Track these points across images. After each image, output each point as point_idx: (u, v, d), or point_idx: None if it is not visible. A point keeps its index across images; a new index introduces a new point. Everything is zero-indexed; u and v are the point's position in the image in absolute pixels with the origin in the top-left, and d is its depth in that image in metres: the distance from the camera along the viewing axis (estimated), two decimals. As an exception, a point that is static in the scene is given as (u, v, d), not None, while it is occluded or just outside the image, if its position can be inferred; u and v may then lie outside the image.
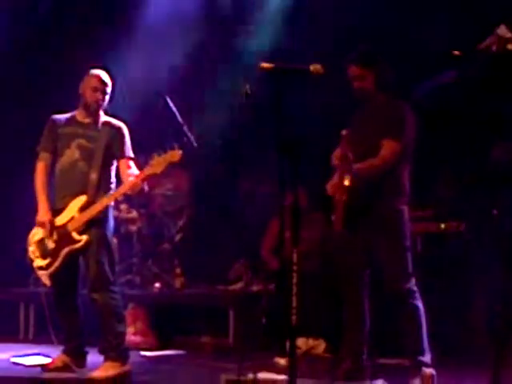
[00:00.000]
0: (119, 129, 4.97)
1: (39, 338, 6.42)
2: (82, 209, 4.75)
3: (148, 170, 4.64)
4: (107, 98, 4.94)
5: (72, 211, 4.78)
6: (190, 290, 6.78)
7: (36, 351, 5.66)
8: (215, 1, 7.43)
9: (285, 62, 3.59)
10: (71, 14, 7.69)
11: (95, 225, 4.74)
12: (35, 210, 4.88)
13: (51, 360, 5.03)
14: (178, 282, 6.77)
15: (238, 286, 6.55)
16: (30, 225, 4.98)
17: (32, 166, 4.97)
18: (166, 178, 6.70)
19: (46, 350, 5.53)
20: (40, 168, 4.94)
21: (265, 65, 3.47)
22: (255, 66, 3.58)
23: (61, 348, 5.00)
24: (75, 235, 4.74)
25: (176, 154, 4.59)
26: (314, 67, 3.59)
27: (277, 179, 3.43)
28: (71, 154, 4.85)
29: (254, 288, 6.36)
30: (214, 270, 7.02)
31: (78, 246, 4.72)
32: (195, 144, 6.09)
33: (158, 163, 4.60)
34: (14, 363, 5.34)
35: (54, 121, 5.00)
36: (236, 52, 7.18)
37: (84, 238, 4.71)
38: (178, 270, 6.83)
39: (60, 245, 4.77)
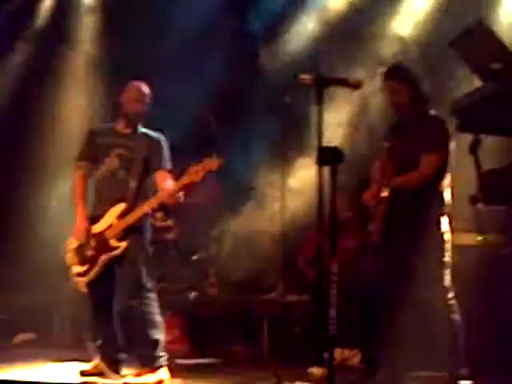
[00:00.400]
0: (158, 141, 5.02)
1: (75, 344, 6.43)
2: (121, 216, 4.80)
3: (186, 179, 4.66)
4: (147, 108, 4.99)
5: (110, 218, 4.83)
6: (224, 299, 6.76)
7: (72, 357, 5.70)
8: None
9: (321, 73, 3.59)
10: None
11: (133, 232, 4.79)
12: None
13: (87, 367, 5.05)
14: (212, 291, 6.78)
15: (273, 295, 6.53)
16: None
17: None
18: (201, 186, 6.73)
19: (82, 356, 5.54)
20: (79, 176, 5.02)
21: (305, 76, 3.46)
22: (294, 77, 3.59)
23: (97, 355, 5.01)
24: (113, 242, 4.78)
25: (214, 163, 4.62)
26: (354, 79, 3.58)
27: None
28: (111, 162, 4.90)
29: (289, 298, 6.33)
30: (248, 279, 7.00)
31: (115, 252, 4.77)
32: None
33: (196, 171, 4.63)
34: (52, 369, 5.38)
35: (93, 131, 5.08)
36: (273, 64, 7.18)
37: (122, 244, 4.76)
38: (212, 279, 6.83)
39: (98, 252, 4.82)
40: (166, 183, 4.84)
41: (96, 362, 4.97)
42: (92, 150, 5.01)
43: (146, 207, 4.79)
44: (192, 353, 6.05)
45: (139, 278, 4.76)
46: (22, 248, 7.03)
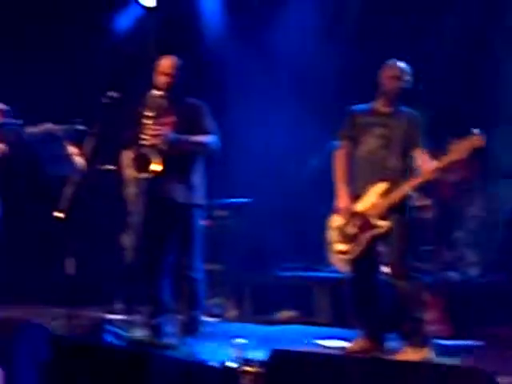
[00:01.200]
0: (416, 119, 5.02)
1: (336, 321, 6.58)
2: (383, 195, 4.85)
3: (451, 156, 4.61)
4: (405, 86, 5.01)
5: (373, 197, 4.91)
6: (486, 279, 6.63)
7: (334, 335, 5.85)
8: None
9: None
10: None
11: (396, 211, 4.84)
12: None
13: (351, 344, 5.19)
14: (473, 271, 6.66)
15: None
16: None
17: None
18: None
19: (344, 333, 5.71)
20: (341, 155, 5.13)
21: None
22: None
23: (360, 332, 5.12)
24: (376, 221, 4.86)
25: (478, 139, 4.53)
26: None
27: None
28: (371, 142, 4.98)
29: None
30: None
31: (379, 231, 4.85)
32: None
33: (459, 149, 4.56)
34: (316, 345, 5.56)
35: (354, 111, 5.16)
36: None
37: (385, 223, 4.81)
38: (473, 258, 6.72)
39: (361, 230, 4.91)
40: (427, 161, 4.80)
41: (359, 339, 5.08)
42: (353, 130, 5.11)
43: (408, 186, 4.79)
44: (453, 334, 5.93)
45: (403, 258, 4.79)
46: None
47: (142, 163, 4.99)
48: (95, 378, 3.15)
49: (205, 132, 5.22)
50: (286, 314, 7.24)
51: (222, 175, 7.36)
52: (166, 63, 5.26)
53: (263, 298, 7.47)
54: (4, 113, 6.76)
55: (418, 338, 4.76)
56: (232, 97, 8.03)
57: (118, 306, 6.96)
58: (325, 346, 5.51)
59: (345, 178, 5.06)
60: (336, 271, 5.34)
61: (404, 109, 5.06)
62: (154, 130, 5.03)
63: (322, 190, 5.69)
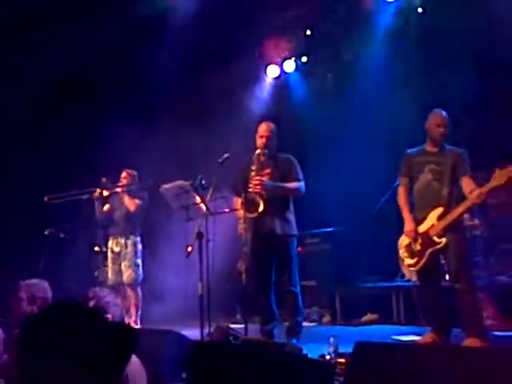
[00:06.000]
0: (461, 154, 4.96)
1: (410, 320, 6.48)
2: (440, 218, 4.82)
3: (493, 183, 4.54)
4: (448, 130, 4.96)
5: (432, 220, 4.85)
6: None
7: (408, 331, 5.79)
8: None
9: None
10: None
11: (452, 230, 4.79)
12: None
13: (422, 337, 5.12)
14: None
15: None
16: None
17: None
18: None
19: (416, 329, 5.64)
20: (402, 190, 5.12)
21: None
22: None
23: (429, 328, 5.04)
24: (436, 238, 4.80)
25: None
26: None
27: None
28: (425, 176, 4.96)
29: None
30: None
31: (439, 246, 4.80)
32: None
33: (500, 176, 4.49)
34: (394, 339, 5.53)
35: (409, 153, 5.15)
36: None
37: (443, 240, 4.78)
38: None
39: (424, 247, 4.86)
40: (472, 186, 4.74)
41: (428, 333, 4.99)
42: (409, 169, 5.09)
43: (460, 209, 4.76)
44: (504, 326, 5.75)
45: (462, 266, 4.75)
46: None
47: (249, 206, 5.12)
48: (226, 372, 3.10)
49: (295, 180, 5.32)
50: (369, 317, 7.19)
51: (313, 210, 7.47)
52: (263, 128, 5.41)
53: (351, 305, 7.45)
54: (133, 177, 7.06)
55: (478, 330, 4.67)
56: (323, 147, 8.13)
57: (239, 317, 7.12)
58: (400, 340, 5.47)
59: (408, 207, 5.04)
60: (408, 281, 5.28)
61: (450, 147, 5.03)
62: (256, 181, 5.18)
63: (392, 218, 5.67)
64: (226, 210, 6.02)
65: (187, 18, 7.75)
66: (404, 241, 5.05)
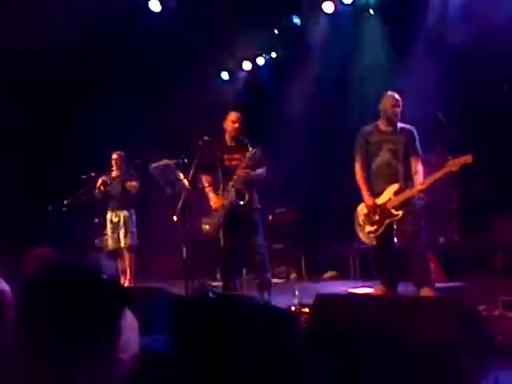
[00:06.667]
0: (413, 132, 5.02)
1: (364, 276, 6.84)
2: (397, 193, 4.91)
3: (447, 169, 4.61)
4: (401, 110, 5.04)
5: (389, 194, 4.94)
6: (463, 243, 6.72)
7: (363, 285, 6.13)
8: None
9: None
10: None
11: (407, 205, 4.89)
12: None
13: (373, 289, 5.37)
14: (455, 237, 6.83)
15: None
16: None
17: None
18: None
19: (369, 284, 5.93)
20: (359, 167, 5.16)
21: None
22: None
23: (379, 282, 5.11)
24: (394, 211, 4.89)
25: (469, 158, 4.51)
26: None
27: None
28: (384, 155, 5.01)
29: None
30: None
31: (396, 218, 4.91)
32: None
33: (453, 164, 4.56)
34: (350, 292, 5.78)
35: (363, 132, 5.16)
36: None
37: (401, 212, 4.88)
38: (455, 228, 6.85)
39: (382, 217, 4.95)
40: (419, 167, 4.86)
41: (379, 286, 5.11)
42: (367, 147, 5.11)
43: (416, 190, 4.85)
44: (444, 280, 6.06)
45: (418, 230, 4.85)
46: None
47: (237, 194, 5.32)
48: (203, 322, 2.84)
49: (262, 166, 5.51)
50: (330, 274, 7.54)
51: (283, 187, 7.82)
52: (237, 115, 5.54)
53: (314, 264, 7.75)
54: (122, 157, 7.36)
55: (428, 282, 4.77)
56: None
57: (218, 276, 7.38)
58: (357, 292, 5.70)
59: (366, 184, 5.09)
60: (363, 244, 5.29)
61: (403, 125, 5.04)
62: (243, 173, 5.33)
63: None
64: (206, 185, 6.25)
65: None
66: (363, 209, 5.10)
